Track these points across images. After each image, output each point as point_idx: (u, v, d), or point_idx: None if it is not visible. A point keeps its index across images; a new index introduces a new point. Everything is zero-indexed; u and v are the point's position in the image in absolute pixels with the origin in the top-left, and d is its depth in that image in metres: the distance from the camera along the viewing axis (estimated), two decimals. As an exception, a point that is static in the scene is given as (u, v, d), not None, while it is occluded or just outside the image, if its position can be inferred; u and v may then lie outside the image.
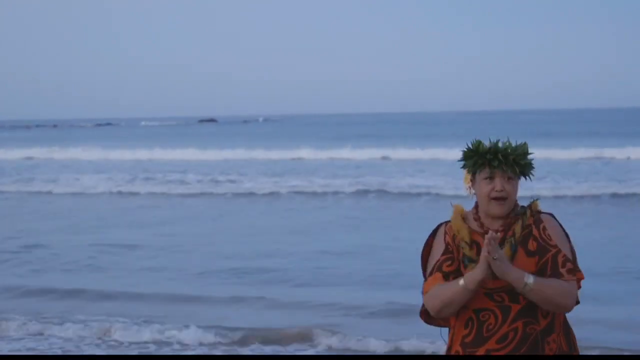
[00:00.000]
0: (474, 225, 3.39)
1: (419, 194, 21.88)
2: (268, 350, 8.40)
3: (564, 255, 3.31)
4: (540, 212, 3.40)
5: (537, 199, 3.45)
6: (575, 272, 3.32)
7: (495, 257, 3.18)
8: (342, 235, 15.23)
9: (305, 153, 39.06)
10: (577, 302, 3.37)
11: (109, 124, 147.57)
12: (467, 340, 3.37)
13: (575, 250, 3.42)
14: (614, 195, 20.18)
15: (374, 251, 13.43)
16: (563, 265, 3.29)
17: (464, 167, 3.41)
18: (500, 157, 3.31)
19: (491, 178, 3.34)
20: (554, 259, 3.30)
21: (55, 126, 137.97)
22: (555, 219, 3.42)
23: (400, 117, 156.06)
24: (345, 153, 38.67)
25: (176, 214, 19.42)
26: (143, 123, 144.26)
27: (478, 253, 3.31)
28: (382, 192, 22.42)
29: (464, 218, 3.42)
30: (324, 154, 38.46)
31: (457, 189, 22.24)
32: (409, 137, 61.39)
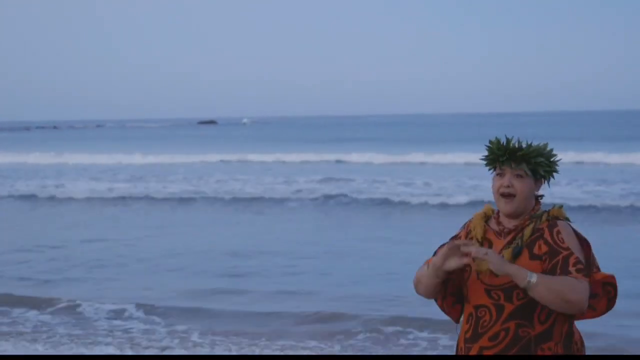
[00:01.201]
0: (493, 225, 3.40)
1: (370, 200, 21.32)
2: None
3: (576, 258, 3.24)
4: (557, 218, 3.35)
5: (560, 206, 3.40)
6: (589, 274, 3.26)
7: (482, 256, 3.20)
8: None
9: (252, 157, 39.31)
10: (610, 306, 3.36)
11: (99, 126, 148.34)
12: (467, 335, 3.38)
13: (596, 261, 3.36)
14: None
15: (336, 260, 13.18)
16: (573, 265, 3.23)
17: (485, 165, 3.44)
18: (508, 153, 3.33)
19: (502, 174, 3.36)
20: (565, 260, 3.24)
21: (55, 127, 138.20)
22: (572, 227, 3.37)
23: (400, 120, 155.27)
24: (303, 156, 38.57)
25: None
26: (134, 124, 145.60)
27: (519, 251, 3.32)
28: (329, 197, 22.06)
29: (488, 217, 3.45)
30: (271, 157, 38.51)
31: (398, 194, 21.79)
32: (385, 140, 61.89)
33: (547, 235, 3.29)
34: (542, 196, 3.43)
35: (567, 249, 3.26)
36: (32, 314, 10.01)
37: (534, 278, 3.17)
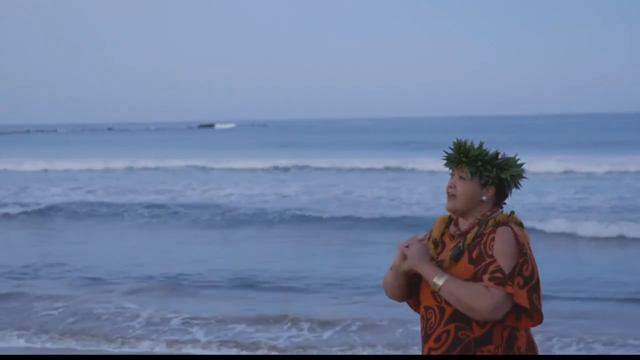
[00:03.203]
0: (452, 227, 3.48)
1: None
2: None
3: (497, 267, 3.25)
4: (504, 224, 3.33)
5: (511, 212, 3.40)
6: (505, 285, 3.22)
7: (406, 245, 3.35)
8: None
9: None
10: (537, 320, 3.29)
11: (110, 129, 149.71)
12: (422, 335, 3.47)
13: (531, 269, 3.27)
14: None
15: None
16: (490, 273, 3.24)
17: (444, 165, 3.52)
18: (452, 154, 3.42)
19: (452, 175, 3.46)
20: (485, 267, 3.27)
21: (55, 131, 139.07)
22: (514, 232, 3.31)
23: (399, 124, 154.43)
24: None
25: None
26: (132, 128, 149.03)
27: (441, 252, 3.43)
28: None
29: (451, 221, 3.51)
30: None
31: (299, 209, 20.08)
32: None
33: (484, 240, 3.32)
34: (504, 203, 3.44)
35: (492, 256, 3.27)
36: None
37: (440, 281, 3.27)
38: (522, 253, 3.28)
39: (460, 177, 3.41)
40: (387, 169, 32.70)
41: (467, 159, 3.39)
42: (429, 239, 3.52)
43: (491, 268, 3.25)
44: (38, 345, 8.85)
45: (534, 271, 3.28)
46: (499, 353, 3.31)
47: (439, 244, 3.47)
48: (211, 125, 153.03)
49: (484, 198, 3.41)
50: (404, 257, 3.38)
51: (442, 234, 3.49)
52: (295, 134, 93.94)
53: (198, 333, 9.16)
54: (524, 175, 3.45)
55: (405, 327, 9.00)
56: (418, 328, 8.86)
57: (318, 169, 33.91)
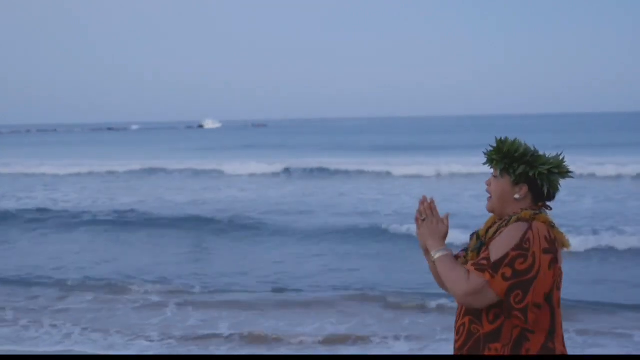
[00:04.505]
0: (496, 226, 3.43)
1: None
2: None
3: (487, 255, 3.27)
4: (525, 221, 3.29)
5: (539, 212, 3.34)
6: (485, 271, 3.23)
7: (422, 219, 3.42)
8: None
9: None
10: (516, 318, 3.23)
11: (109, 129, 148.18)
12: None
13: (529, 266, 3.19)
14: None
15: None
16: (478, 259, 3.29)
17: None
18: (489, 152, 3.44)
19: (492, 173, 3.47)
20: (478, 255, 3.34)
21: (55, 130, 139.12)
22: (528, 228, 3.25)
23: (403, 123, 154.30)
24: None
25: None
26: (135, 127, 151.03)
27: (480, 247, 3.42)
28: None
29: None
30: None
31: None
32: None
33: (496, 234, 3.33)
34: (542, 204, 3.39)
35: (488, 246, 3.31)
36: None
37: (435, 255, 3.38)
38: (522, 247, 3.23)
39: (494, 175, 3.44)
40: (376, 172, 31.98)
41: (497, 156, 3.41)
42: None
43: (482, 255, 3.29)
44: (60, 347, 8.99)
45: (531, 269, 3.22)
46: (506, 352, 3.26)
47: (480, 238, 3.45)
48: (201, 127, 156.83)
49: (517, 196, 3.39)
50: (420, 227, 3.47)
51: (487, 230, 3.48)
52: (288, 135, 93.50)
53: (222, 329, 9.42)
54: (569, 173, 3.41)
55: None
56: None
57: (302, 170, 33.45)
